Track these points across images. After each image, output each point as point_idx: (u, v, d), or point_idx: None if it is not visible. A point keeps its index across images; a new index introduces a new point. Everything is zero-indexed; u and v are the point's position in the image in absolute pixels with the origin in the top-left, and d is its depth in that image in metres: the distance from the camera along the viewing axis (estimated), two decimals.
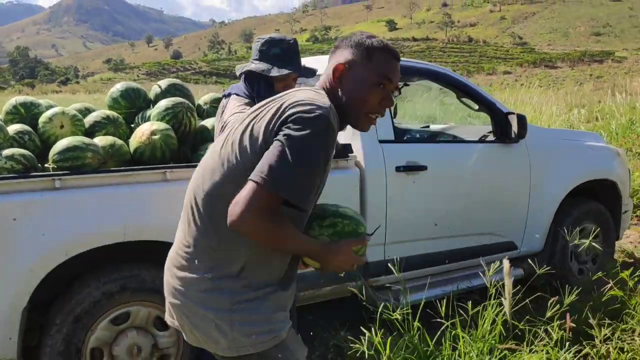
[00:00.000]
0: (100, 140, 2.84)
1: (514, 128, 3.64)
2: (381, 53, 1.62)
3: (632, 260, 5.08)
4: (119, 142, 2.89)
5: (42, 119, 2.89)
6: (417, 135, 4.29)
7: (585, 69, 76.56)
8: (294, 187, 1.45)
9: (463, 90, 3.84)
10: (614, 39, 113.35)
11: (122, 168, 2.71)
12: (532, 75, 71.82)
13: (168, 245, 2.57)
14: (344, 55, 1.63)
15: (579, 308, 3.04)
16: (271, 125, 1.50)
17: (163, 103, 3.09)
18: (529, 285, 3.91)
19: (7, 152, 2.53)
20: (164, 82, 3.36)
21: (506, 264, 2.44)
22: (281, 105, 1.52)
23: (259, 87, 2.60)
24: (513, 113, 3.69)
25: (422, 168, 3.43)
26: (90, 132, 2.99)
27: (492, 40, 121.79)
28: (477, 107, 3.92)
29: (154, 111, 3.10)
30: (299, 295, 3.15)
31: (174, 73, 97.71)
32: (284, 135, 1.45)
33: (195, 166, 2.76)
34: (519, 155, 3.85)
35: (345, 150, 3.20)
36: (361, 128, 1.68)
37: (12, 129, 2.79)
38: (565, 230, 3.92)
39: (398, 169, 3.35)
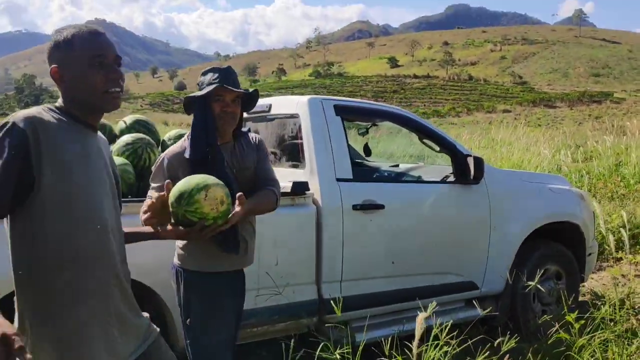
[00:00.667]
0: None
1: (471, 170, 3.73)
2: (75, 35, 1.60)
3: (600, 302, 5.10)
4: None
5: None
6: (378, 175, 4.38)
7: (584, 109, 77.41)
8: None
9: (423, 132, 3.95)
10: (613, 80, 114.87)
11: None
12: (531, 114, 72.62)
13: None
14: (51, 58, 1.61)
15: (524, 351, 3.07)
16: None
17: (124, 138, 3.20)
18: (490, 326, 3.96)
19: None
20: (129, 118, 3.48)
21: (420, 316, 2.43)
22: None
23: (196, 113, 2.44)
24: (471, 155, 3.79)
25: (380, 207, 3.51)
26: None
27: (493, 79, 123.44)
28: (438, 148, 4.03)
29: (115, 146, 3.20)
30: (253, 330, 3.19)
31: (178, 104, 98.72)
32: None
33: (137, 200, 2.87)
34: (478, 196, 3.93)
35: (302, 188, 3.29)
36: (108, 108, 1.65)
37: None
38: (527, 272, 3.97)
39: (355, 207, 3.42)
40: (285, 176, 3.65)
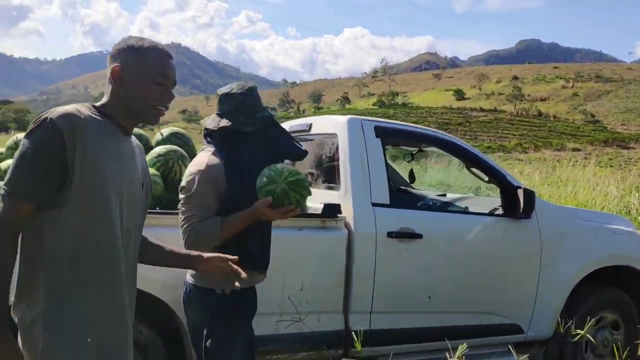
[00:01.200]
0: None
1: (521, 203, 3.46)
2: (153, 50, 1.69)
3: None
4: None
5: None
6: (418, 202, 4.15)
7: None
8: (21, 186, 1.51)
9: (471, 160, 3.72)
10: None
11: None
12: (602, 153, 69.53)
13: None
14: (118, 58, 1.67)
15: None
16: None
17: (157, 150, 3.16)
18: None
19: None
20: (166, 131, 3.44)
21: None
22: None
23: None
24: (521, 187, 3.52)
25: (417, 236, 3.29)
26: None
27: (563, 116, 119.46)
28: (486, 178, 3.78)
29: (148, 157, 3.15)
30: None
31: None
32: None
33: (166, 213, 2.79)
34: (529, 231, 3.64)
35: (334, 210, 3.13)
36: (149, 120, 1.73)
37: (6, 163, 2.91)
38: (579, 318, 3.63)
39: (390, 234, 3.22)
40: (320, 198, 3.51)
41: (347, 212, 3.22)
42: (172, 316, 2.77)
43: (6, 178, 1.52)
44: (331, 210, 3.12)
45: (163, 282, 2.68)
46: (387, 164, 4.79)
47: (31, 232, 1.55)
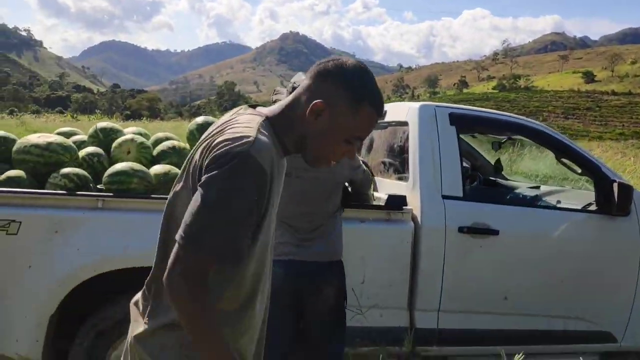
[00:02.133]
0: (156, 168, 3.01)
1: (615, 199, 3.09)
2: (370, 110, 1.38)
3: None
4: (174, 170, 3.02)
5: (114, 144, 3.15)
6: (501, 196, 3.85)
7: None
8: (219, 243, 1.26)
9: (560, 150, 3.38)
10: None
11: (161, 196, 2.82)
12: None
13: None
14: (328, 91, 1.37)
15: None
16: (199, 164, 1.34)
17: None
18: None
19: (64, 170, 2.79)
20: (200, 119, 3.50)
21: None
22: (212, 140, 1.34)
23: None
24: (617, 181, 3.14)
25: (493, 232, 3.06)
26: (157, 160, 3.19)
27: None
28: (579, 170, 3.43)
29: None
30: None
31: None
32: (202, 181, 1.28)
33: None
34: (626, 230, 3.26)
35: (399, 202, 2.99)
36: (313, 166, 1.49)
37: (85, 150, 3.09)
38: None
39: (461, 229, 3.02)
40: (389, 188, 3.38)
41: (415, 204, 3.06)
42: None
43: (198, 229, 1.25)
44: (396, 202, 2.98)
45: None
46: (475, 153, 4.55)
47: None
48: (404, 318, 3.05)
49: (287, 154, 1.46)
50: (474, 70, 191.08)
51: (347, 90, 1.36)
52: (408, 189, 3.16)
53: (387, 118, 3.60)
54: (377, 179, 3.72)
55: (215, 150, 1.30)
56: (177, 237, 1.27)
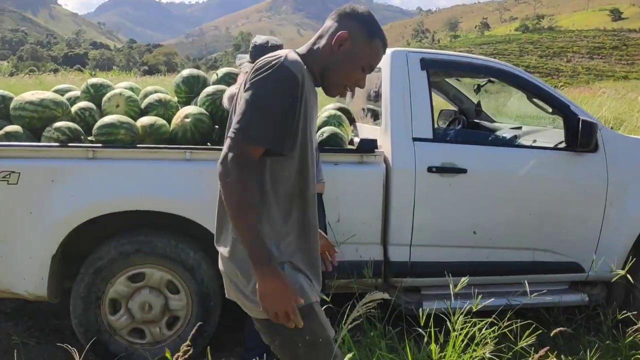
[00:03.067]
0: (143, 120, 3.22)
1: (580, 136, 3.23)
2: (380, 41, 1.72)
3: None
4: (160, 122, 3.23)
5: (104, 98, 3.36)
6: (474, 136, 3.99)
7: None
8: (261, 132, 1.55)
9: (531, 90, 3.50)
10: None
11: (146, 145, 3.05)
12: None
13: (179, 217, 2.88)
14: (350, 26, 1.68)
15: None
16: (245, 83, 1.64)
17: (208, 89, 3.38)
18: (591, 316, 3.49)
19: (57, 124, 3.02)
20: (221, 71, 3.65)
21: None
22: (254, 65, 1.65)
23: None
24: (583, 119, 3.27)
25: (461, 171, 3.24)
26: (145, 112, 3.40)
27: None
28: (550, 109, 3.56)
29: (200, 96, 3.40)
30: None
31: None
32: (246, 87, 1.60)
33: (213, 149, 3.02)
34: (593, 166, 3.41)
35: (369, 146, 3.17)
36: (331, 94, 1.77)
37: (77, 105, 3.31)
38: None
39: (430, 169, 3.21)
40: (367, 133, 3.56)
41: (386, 147, 3.24)
42: None
43: (245, 122, 1.54)
44: (367, 145, 3.16)
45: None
46: (461, 96, 4.67)
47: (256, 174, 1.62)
48: (378, 252, 3.28)
49: (317, 85, 1.74)
50: (495, 12, 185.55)
51: (364, 26, 1.70)
52: (381, 132, 3.33)
53: None
54: (358, 124, 3.91)
55: (254, 68, 1.63)
56: (229, 132, 1.59)
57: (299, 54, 1.70)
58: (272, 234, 1.65)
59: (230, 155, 1.55)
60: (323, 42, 1.70)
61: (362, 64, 1.70)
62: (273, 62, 1.58)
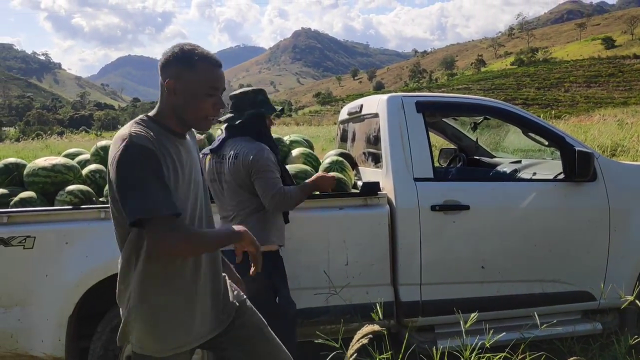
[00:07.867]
0: None
1: (577, 166, 3.31)
2: (204, 62, 1.77)
3: None
4: None
5: None
6: (474, 173, 4.07)
7: None
8: (142, 207, 1.62)
9: (526, 125, 3.61)
10: None
11: None
12: None
13: None
14: (169, 71, 1.77)
15: None
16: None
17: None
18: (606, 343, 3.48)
19: (69, 188, 3.14)
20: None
21: None
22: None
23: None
24: (579, 149, 3.35)
25: (464, 207, 3.31)
26: None
27: None
28: (546, 142, 3.65)
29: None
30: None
31: None
32: (109, 173, 1.74)
33: None
34: (593, 195, 3.47)
35: (372, 188, 3.26)
36: (201, 129, 1.89)
37: (87, 168, 3.43)
38: None
39: (434, 207, 3.28)
40: (369, 176, 3.65)
41: (389, 188, 3.32)
42: None
43: (133, 203, 1.62)
44: (369, 189, 3.25)
45: None
46: (459, 134, 4.78)
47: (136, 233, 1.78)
48: (389, 293, 3.32)
49: (182, 132, 1.85)
50: (490, 48, 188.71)
51: (180, 63, 1.76)
52: (383, 175, 3.42)
53: (363, 111, 3.87)
54: (360, 168, 4.00)
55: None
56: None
57: (151, 117, 1.81)
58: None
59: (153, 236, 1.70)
60: (163, 97, 1.80)
61: (204, 92, 1.76)
62: (118, 145, 1.67)
